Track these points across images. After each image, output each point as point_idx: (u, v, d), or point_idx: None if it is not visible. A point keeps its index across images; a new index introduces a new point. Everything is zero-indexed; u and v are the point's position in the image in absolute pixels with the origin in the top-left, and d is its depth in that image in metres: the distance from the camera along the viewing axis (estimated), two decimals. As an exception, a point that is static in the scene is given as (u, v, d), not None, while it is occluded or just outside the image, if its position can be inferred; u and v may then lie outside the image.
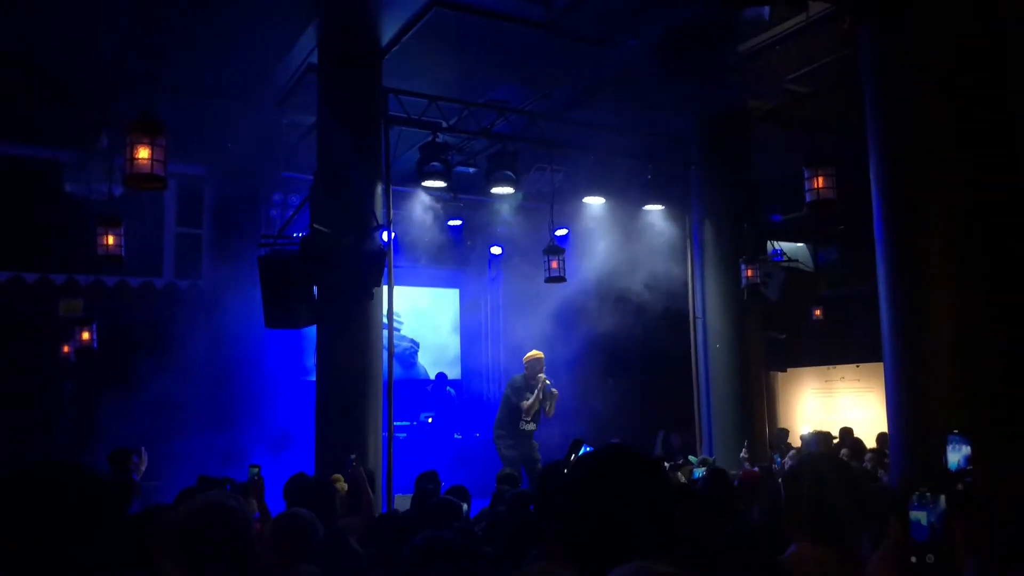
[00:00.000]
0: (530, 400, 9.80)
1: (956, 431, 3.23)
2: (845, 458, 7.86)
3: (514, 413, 9.86)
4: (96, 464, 7.20)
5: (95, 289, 11.22)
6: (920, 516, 2.14)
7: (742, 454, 9.31)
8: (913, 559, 2.11)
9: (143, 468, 6.74)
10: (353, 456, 6.46)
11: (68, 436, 10.72)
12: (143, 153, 5.29)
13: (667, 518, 1.91)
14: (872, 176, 5.12)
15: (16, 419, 9.98)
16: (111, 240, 8.35)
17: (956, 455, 3.21)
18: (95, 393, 10.69)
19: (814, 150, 7.46)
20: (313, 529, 3.15)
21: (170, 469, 7.78)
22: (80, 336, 9.62)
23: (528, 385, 9.92)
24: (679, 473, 7.82)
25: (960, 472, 2.77)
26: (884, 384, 5.19)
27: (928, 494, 2.16)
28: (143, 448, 6.94)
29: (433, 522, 4.31)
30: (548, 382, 9.92)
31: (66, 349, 10.54)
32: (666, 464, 8.05)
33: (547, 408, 9.94)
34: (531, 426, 9.94)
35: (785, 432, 12.65)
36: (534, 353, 10.17)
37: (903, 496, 2.32)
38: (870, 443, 9.83)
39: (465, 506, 5.58)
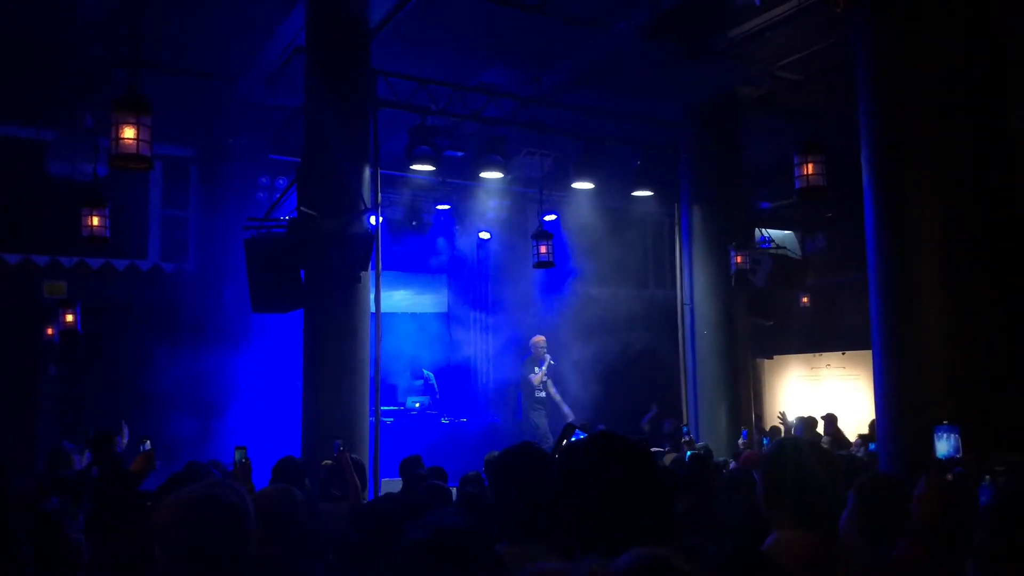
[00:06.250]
0: (538, 374, 11.79)
1: (945, 421, 3.24)
2: (826, 445, 7.91)
3: (529, 387, 11.86)
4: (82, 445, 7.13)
5: (79, 271, 11.08)
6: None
7: (740, 441, 9.30)
8: None
9: (126, 443, 6.66)
10: (339, 441, 6.41)
11: (51, 419, 10.62)
12: (128, 133, 5.21)
13: (658, 504, 1.90)
14: (864, 161, 5.09)
15: (-1, 402, 9.90)
16: (96, 221, 8.22)
17: (945, 444, 3.22)
18: (79, 376, 10.59)
19: (805, 136, 7.41)
20: (289, 508, 3.03)
21: (156, 452, 7.68)
22: (64, 318, 9.51)
23: (535, 362, 11.94)
24: (665, 459, 7.83)
25: (951, 461, 2.78)
26: (872, 372, 5.18)
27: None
28: (124, 424, 6.85)
29: (423, 507, 4.28)
30: (550, 360, 11.98)
31: (50, 331, 10.44)
32: (652, 449, 8.07)
33: (546, 382, 11.94)
34: (542, 394, 11.93)
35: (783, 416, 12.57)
36: (537, 338, 12.12)
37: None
38: (862, 430, 9.89)
39: (455, 490, 5.57)
